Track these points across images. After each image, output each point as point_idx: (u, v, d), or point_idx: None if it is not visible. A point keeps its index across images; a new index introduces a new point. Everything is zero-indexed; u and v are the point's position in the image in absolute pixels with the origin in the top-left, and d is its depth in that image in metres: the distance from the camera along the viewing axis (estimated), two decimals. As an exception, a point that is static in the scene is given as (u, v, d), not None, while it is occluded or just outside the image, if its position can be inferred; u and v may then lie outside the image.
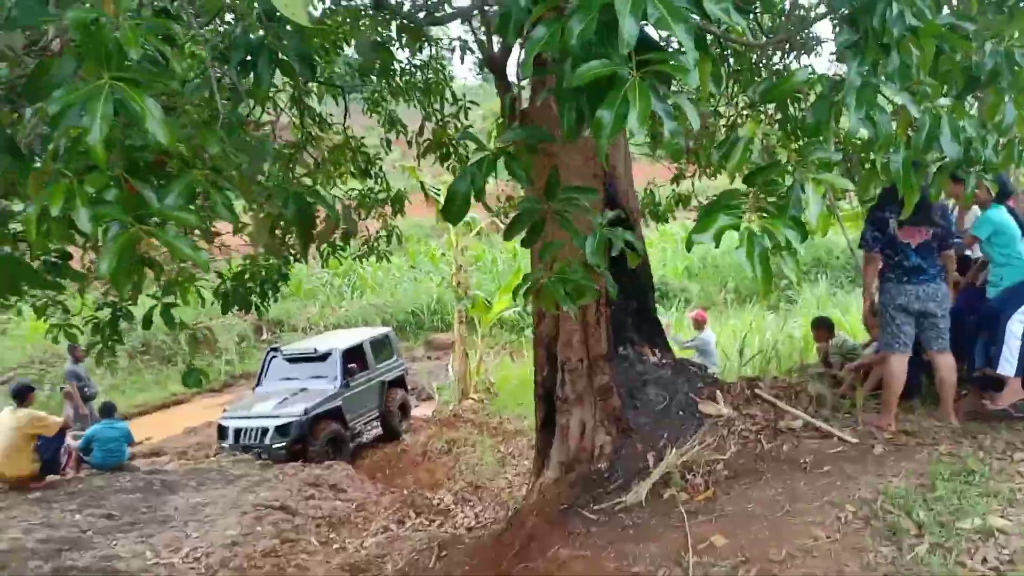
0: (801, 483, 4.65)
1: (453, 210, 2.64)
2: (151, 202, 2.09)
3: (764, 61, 7.71)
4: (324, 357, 11.96)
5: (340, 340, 12.94)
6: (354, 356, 12.21)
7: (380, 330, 14.27)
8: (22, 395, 8.42)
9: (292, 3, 1.59)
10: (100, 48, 1.81)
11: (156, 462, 11.45)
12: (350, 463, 10.86)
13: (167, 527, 7.43)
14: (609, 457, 5.47)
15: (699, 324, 10.31)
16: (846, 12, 2.58)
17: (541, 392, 6.18)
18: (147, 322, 5.81)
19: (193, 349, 6.75)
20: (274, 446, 10.39)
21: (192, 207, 2.17)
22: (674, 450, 5.25)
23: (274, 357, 12.49)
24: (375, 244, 8.78)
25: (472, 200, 2.70)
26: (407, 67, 8.14)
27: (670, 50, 2.39)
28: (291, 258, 7.62)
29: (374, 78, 7.92)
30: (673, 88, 2.24)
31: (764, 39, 6.64)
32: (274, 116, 7.86)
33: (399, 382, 13.37)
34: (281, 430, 10.51)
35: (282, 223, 2.99)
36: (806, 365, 8.01)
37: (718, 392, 5.89)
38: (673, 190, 9.64)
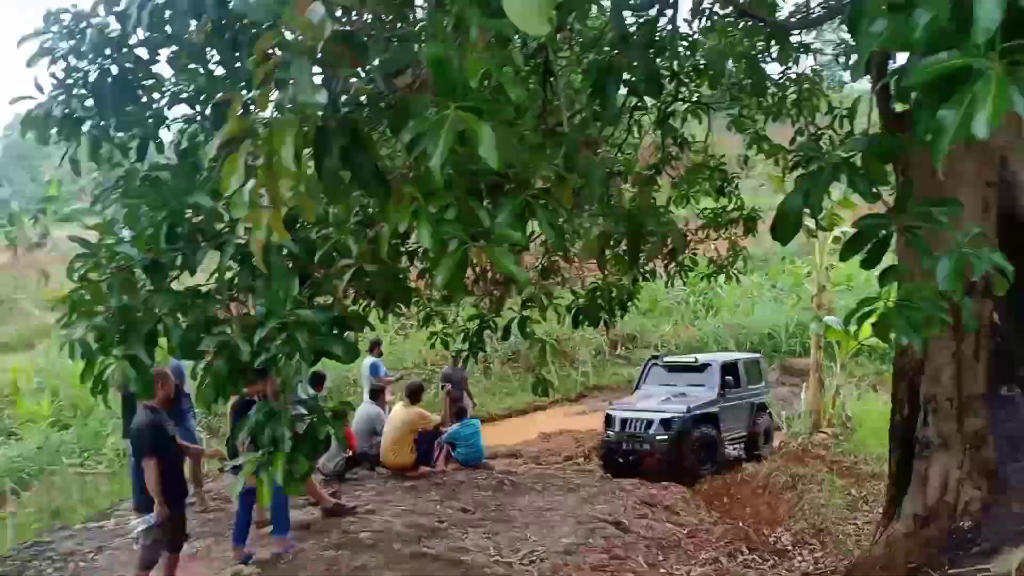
0: None
1: (784, 229, 2.47)
2: (483, 221, 2.29)
3: None
4: (703, 368, 12.94)
5: (717, 356, 14.06)
6: (729, 371, 12.78)
7: (751, 355, 14.91)
8: (415, 394, 9.67)
9: (528, 13, 1.61)
10: (449, 80, 2.02)
11: (512, 463, 12.45)
12: (717, 472, 11.39)
13: (511, 527, 7.95)
14: (976, 516, 4.69)
15: None
16: None
17: (899, 433, 5.49)
18: (505, 332, 6.40)
19: (541, 359, 7.28)
20: (657, 437, 11.32)
21: (518, 225, 2.33)
22: (1068, 518, 4.31)
23: (654, 365, 13.76)
24: (725, 264, 8.57)
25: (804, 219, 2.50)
26: (781, 81, 7.77)
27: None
28: (640, 277, 7.82)
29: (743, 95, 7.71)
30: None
31: None
32: (638, 138, 8.14)
33: (764, 407, 13.63)
34: (665, 423, 11.41)
35: (612, 241, 3.06)
36: None
37: None
38: None
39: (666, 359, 14.06)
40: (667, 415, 11.46)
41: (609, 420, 12.02)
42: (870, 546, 5.65)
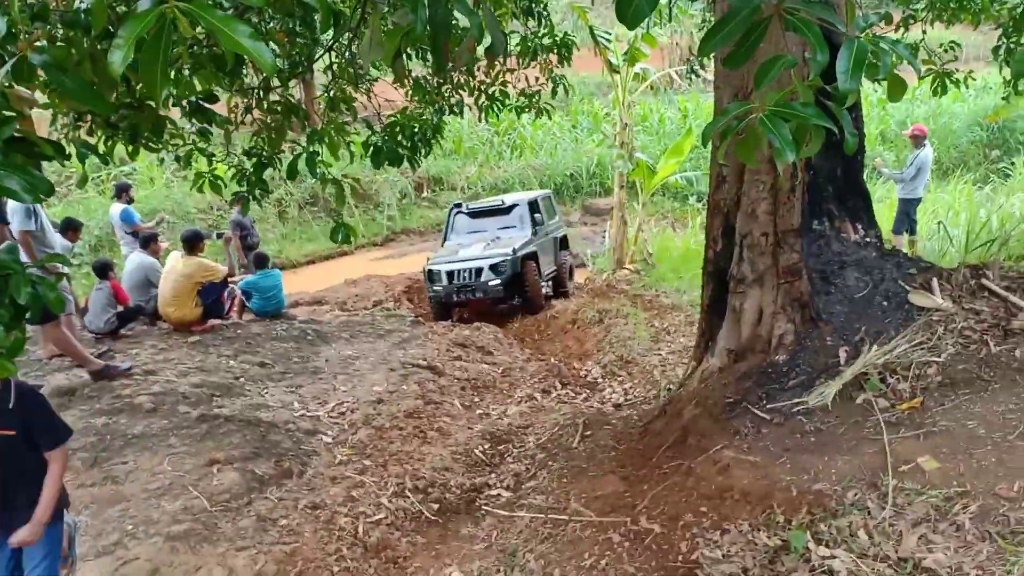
0: (1040, 399, 3.74)
1: (632, 8, 1.84)
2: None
3: None
4: (510, 209, 12.67)
5: (519, 196, 13.47)
6: (534, 209, 12.69)
7: (543, 191, 14.52)
8: (192, 243, 8.45)
9: None
10: None
11: (317, 311, 11.74)
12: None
13: (317, 378, 7.35)
14: (790, 349, 4.66)
15: (919, 141, 10.05)
16: None
17: (712, 269, 5.37)
18: (291, 171, 5.43)
19: (340, 201, 6.42)
20: (490, 283, 11.20)
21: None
22: (874, 347, 4.38)
23: (458, 213, 13.20)
24: (537, 96, 7.92)
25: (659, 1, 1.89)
26: None
27: None
28: (446, 109, 7.08)
29: None
30: None
31: None
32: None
33: (564, 243, 13.63)
34: (494, 269, 11.26)
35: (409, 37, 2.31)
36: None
37: (934, 280, 4.84)
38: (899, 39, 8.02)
39: (470, 206, 13.48)
40: (494, 260, 11.34)
41: (433, 276, 11.64)
42: (684, 380, 5.63)
